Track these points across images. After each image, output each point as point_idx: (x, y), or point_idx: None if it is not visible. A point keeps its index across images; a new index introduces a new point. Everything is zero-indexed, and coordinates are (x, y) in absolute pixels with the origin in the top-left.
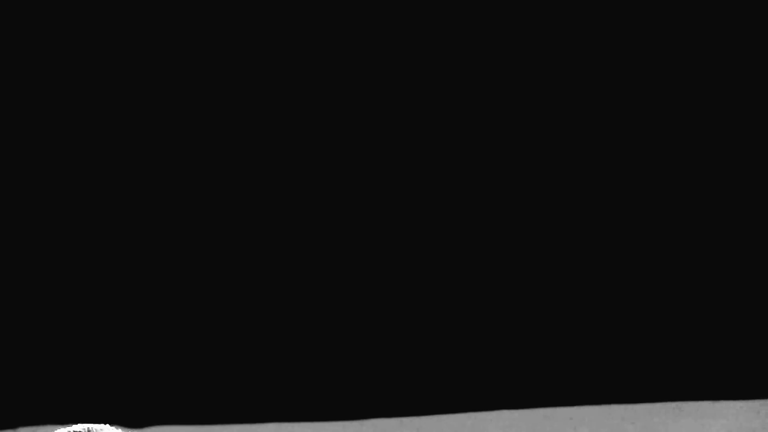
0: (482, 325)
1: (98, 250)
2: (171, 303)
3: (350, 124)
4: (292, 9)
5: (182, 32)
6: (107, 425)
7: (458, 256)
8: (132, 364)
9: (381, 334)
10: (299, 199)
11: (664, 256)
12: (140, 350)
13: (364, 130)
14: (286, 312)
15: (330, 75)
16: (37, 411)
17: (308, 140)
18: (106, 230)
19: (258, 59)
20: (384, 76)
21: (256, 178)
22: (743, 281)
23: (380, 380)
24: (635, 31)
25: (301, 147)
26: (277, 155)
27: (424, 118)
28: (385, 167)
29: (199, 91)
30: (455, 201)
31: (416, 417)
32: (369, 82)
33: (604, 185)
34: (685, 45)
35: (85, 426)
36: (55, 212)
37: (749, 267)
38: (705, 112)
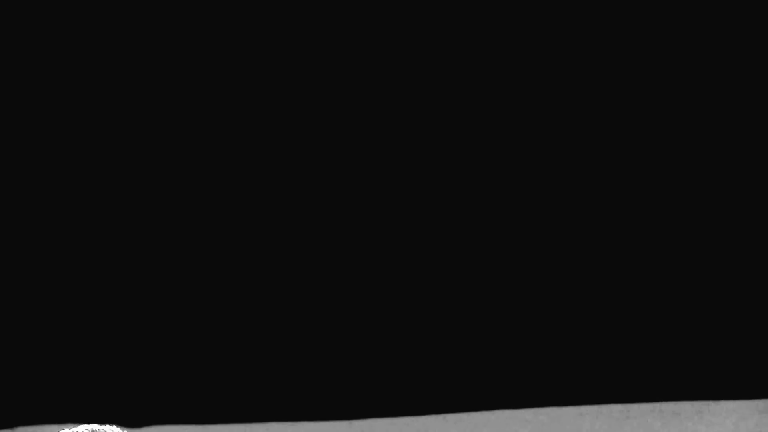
0: (482, 325)
1: (98, 251)
2: (171, 303)
3: (350, 124)
4: (292, 9)
5: (182, 32)
6: (109, 426)
7: (458, 256)
8: (131, 364)
9: (381, 334)
10: (299, 200)
11: (665, 257)
12: (139, 350)
13: (364, 130)
14: (286, 312)
15: (330, 75)
16: (36, 411)
17: (308, 140)
18: (105, 230)
19: (258, 59)
20: (384, 76)
21: (256, 179)
22: (743, 281)
23: (381, 380)
24: (635, 31)
25: (301, 147)
26: (277, 155)
27: (424, 118)
28: (385, 167)
29: (199, 91)
30: (457, 202)
31: (416, 417)
32: (369, 82)
33: (605, 186)
34: (685, 45)
35: (89, 427)
36: (54, 212)
37: (749, 267)
38: (705, 112)
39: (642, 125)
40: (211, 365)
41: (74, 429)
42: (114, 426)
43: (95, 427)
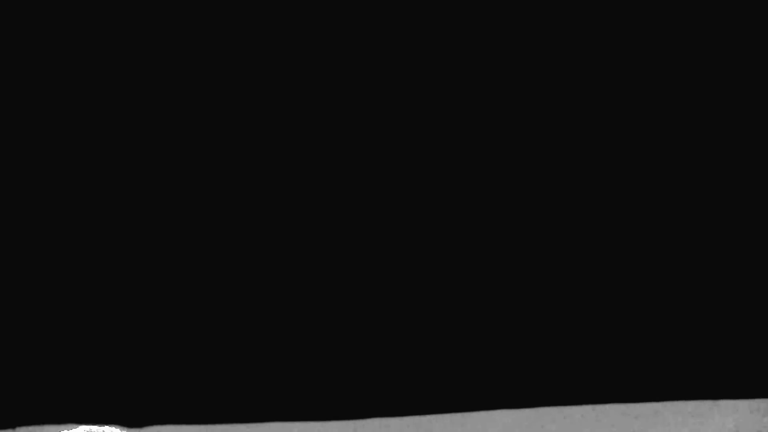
0: (481, 324)
1: (97, 250)
2: (170, 302)
3: (350, 124)
4: (292, 9)
5: (182, 32)
6: (109, 426)
7: (457, 255)
8: (130, 363)
9: (381, 333)
10: (299, 199)
11: (664, 256)
12: (139, 349)
13: (364, 130)
14: (285, 311)
15: (330, 75)
16: (36, 411)
17: (308, 140)
18: (104, 229)
19: (258, 59)
20: (384, 76)
21: (256, 178)
22: (743, 281)
23: (380, 379)
24: (635, 31)
25: (301, 147)
26: (277, 155)
27: (424, 118)
28: (384, 167)
29: (199, 91)
30: (457, 202)
31: (417, 416)
32: (369, 83)
33: (604, 185)
34: (685, 45)
35: (90, 428)
36: (53, 212)
37: (749, 267)
38: (705, 112)
39: (642, 125)
40: (212, 365)
41: (75, 429)
42: (114, 426)
43: (96, 427)
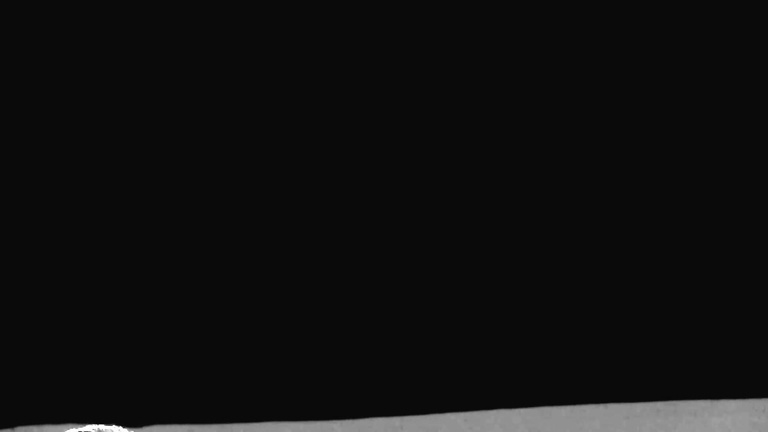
0: (481, 323)
1: (98, 250)
2: (169, 302)
3: (350, 124)
4: (291, 9)
5: (182, 32)
6: (109, 426)
7: (457, 254)
8: (130, 362)
9: (380, 333)
10: (299, 199)
11: (664, 256)
12: (139, 349)
13: (364, 130)
14: (284, 311)
15: (330, 75)
16: (35, 410)
17: (308, 140)
18: (104, 230)
19: (258, 59)
20: (384, 76)
21: (256, 178)
22: (743, 281)
23: (380, 379)
24: (635, 31)
25: (301, 147)
26: (277, 155)
27: (424, 118)
28: (384, 167)
29: (199, 91)
30: (456, 201)
31: (416, 416)
32: (369, 82)
33: (604, 185)
34: (685, 45)
35: (90, 427)
36: (52, 211)
37: (749, 267)
38: (705, 112)
39: (642, 125)
40: (210, 366)
41: (74, 429)
42: (113, 426)
43: (95, 427)
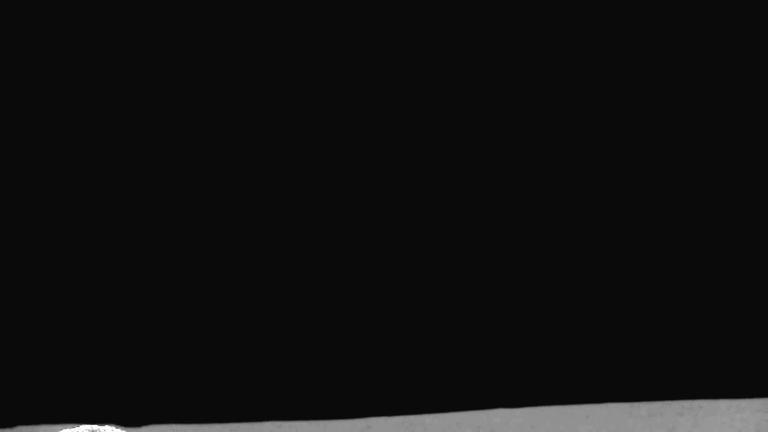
0: (481, 323)
1: (97, 250)
2: (167, 301)
3: (350, 124)
4: (291, 9)
5: (182, 32)
6: (107, 426)
7: (456, 254)
8: (128, 362)
9: (380, 333)
10: (299, 199)
11: (665, 256)
12: (137, 349)
13: (364, 130)
14: (283, 310)
15: (330, 75)
16: (35, 410)
17: (308, 140)
18: (103, 230)
19: (258, 59)
20: (384, 76)
21: (256, 178)
22: (743, 281)
23: (379, 379)
24: (635, 31)
25: (301, 147)
26: (277, 155)
27: (424, 118)
28: (384, 167)
29: (199, 91)
30: (456, 201)
31: (415, 416)
32: (369, 82)
33: (604, 185)
34: (685, 45)
35: (89, 427)
36: (50, 211)
37: (749, 267)
38: (705, 112)
39: (642, 125)
40: (207, 366)
41: (72, 429)
42: (111, 425)
43: (93, 427)
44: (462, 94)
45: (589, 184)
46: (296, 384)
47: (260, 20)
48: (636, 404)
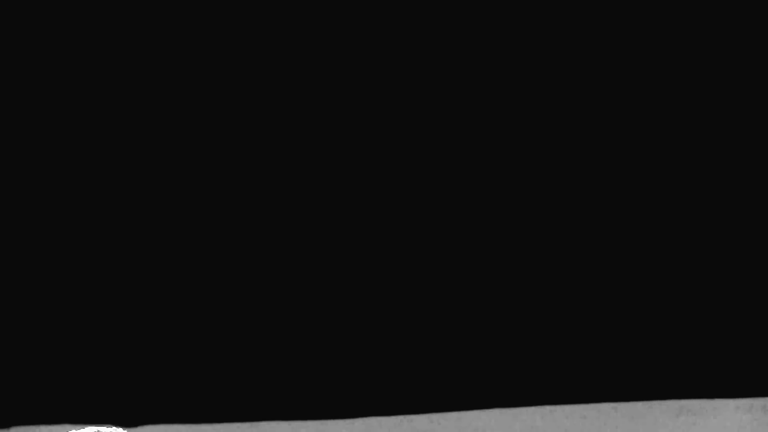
0: (479, 323)
1: (93, 249)
2: (165, 301)
3: (350, 124)
4: (291, 9)
5: (182, 32)
6: (105, 426)
7: (455, 254)
8: (125, 363)
9: (379, 332)
10: (299, 199)
11: (664, 255)
12: (133, 350)
13: (364, 130)
14: (282, 309)
15: (330, 75)
16: (30, 410)
17: (308, 140)
18: (101, 230)
19: (258, 59)
20: (384, 76)
21: (256, 178)
22: (743, 281)
23: (377, 379)
24: (635, 31)
25: (300, 147)
26: (277, 155)
27: (424, 118)
28: (384, 167)
29: (198, 91)
30: (455, 201)
31: (414, 416)
32: (369, 82)
33: (604, 185)
34: (685, 45)
35: (86, 428)
36: (49, 210)
37: (749, 267)
38: (705, 112)
39: (642, 125)
40: (204, 366)
41: (70, 429)
42: (108, 426)
43: (91, 427)
44: (462, 94)
45: (588, 185)
46: (294, 384)
47: (260, 20)
48: (635, 404)
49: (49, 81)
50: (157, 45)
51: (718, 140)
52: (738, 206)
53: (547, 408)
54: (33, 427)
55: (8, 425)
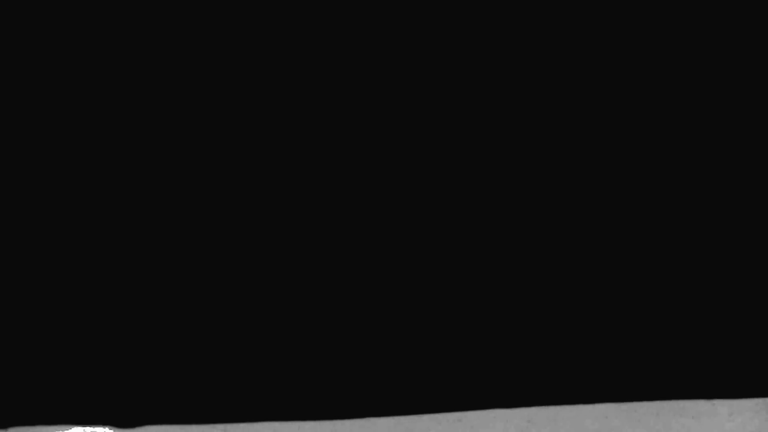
0: (477, 323)
1: (92, 249)
2: (163, 301)
3: (350, 124)
4: (291, 9)
5: (182, 32)
6: (102, 427)
7: (455, 254)
8: (122, 363)
9: (378, 332)
10: (299, 199)
11: (664, 255)
12: (131, 350)
13: (364, 130)
14: (280, 309)
15: (330, 75)
16: (28, 411)
17: (308, 140)
18: (100, 230)
19: (258, 59)
20: (384, 76)
21: (256, 178)
22: (743, 281)
23: (377, 378)
24: (635, 32)
25: (300, 147)
26: (277, 155)
27: (424, 118)
28: (384, 167)
29: (198, 91)
30: (455, 201)
31: (413, 416)
32: (369, 82)
33: (604, 185)
34: (685, 45)
35: (83, 429)
36: (48, 209)
37: (749, 267)
38: (705, 112)
39: (642, 125)
40: (203, 365)
41: (67, 430)
42: (106, 427)
43: (88, 428)
44: (462, 94)
45: (588, 185)
46: (292, 384)
47: (260, 20)
48: (634, 404)
49: (49, 81)
50: (157, 45)
51: (718, 140)
52: (738, 206)
53: (547, 408)
54: (31, 427)
55: (6, 426)
